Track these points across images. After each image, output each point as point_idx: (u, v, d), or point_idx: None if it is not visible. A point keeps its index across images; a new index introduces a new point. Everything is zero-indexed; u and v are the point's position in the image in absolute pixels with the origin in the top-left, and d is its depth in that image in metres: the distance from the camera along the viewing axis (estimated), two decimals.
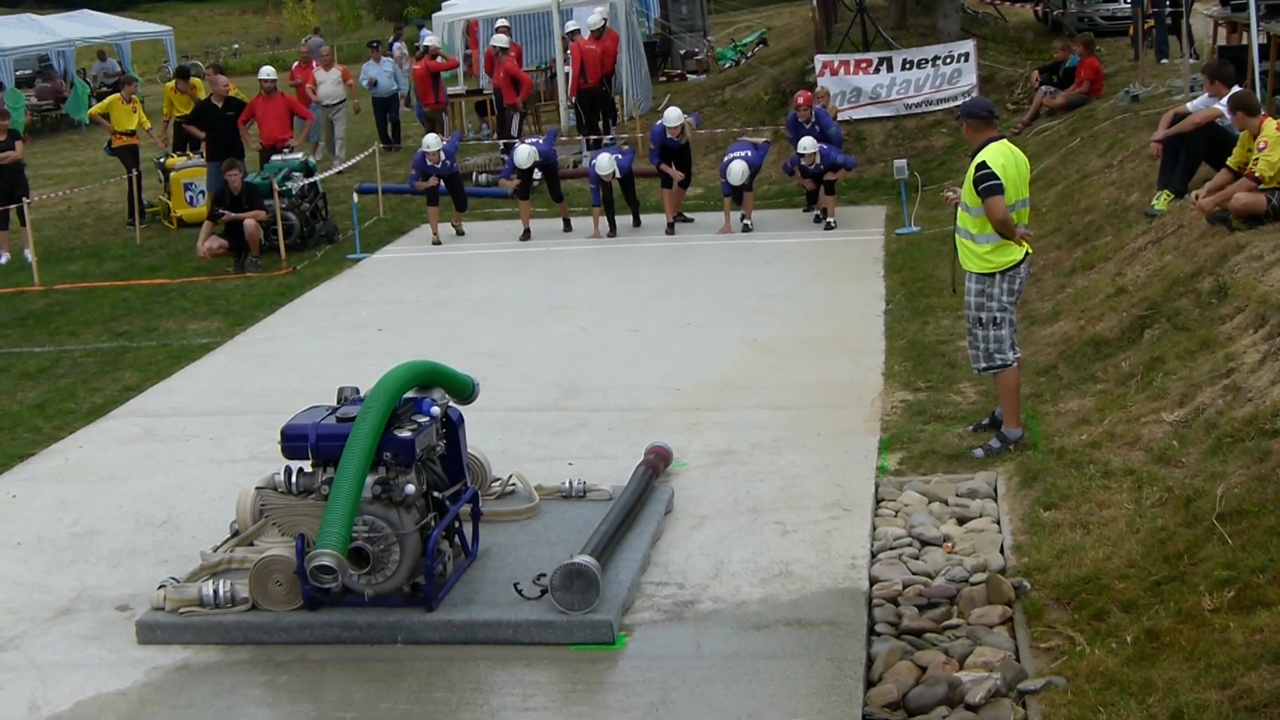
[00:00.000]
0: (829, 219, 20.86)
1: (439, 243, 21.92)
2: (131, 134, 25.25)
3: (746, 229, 20.95)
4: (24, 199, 22.80)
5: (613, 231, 21.49)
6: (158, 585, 9.42)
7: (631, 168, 21.89)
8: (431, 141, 22.00)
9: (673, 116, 21.69)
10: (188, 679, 8.65)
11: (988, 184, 10.64)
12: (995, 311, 10.95)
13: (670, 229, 21.51)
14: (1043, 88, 23.87)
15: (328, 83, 29.37)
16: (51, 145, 36.97)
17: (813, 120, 21.67)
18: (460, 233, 22.48)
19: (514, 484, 10.81)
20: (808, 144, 20.68)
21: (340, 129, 29.58)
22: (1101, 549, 8.87)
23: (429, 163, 21.81)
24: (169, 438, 13.12)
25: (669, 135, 21.60)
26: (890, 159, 22.89)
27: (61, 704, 8.43)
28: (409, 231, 23.19)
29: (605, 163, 21.26)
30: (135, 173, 24.86)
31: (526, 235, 21.75)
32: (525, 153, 21.63)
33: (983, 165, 10.70)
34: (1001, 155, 10.77)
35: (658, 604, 9.15)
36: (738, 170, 20.86)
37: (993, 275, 10.90)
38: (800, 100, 22.11)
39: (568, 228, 22.27)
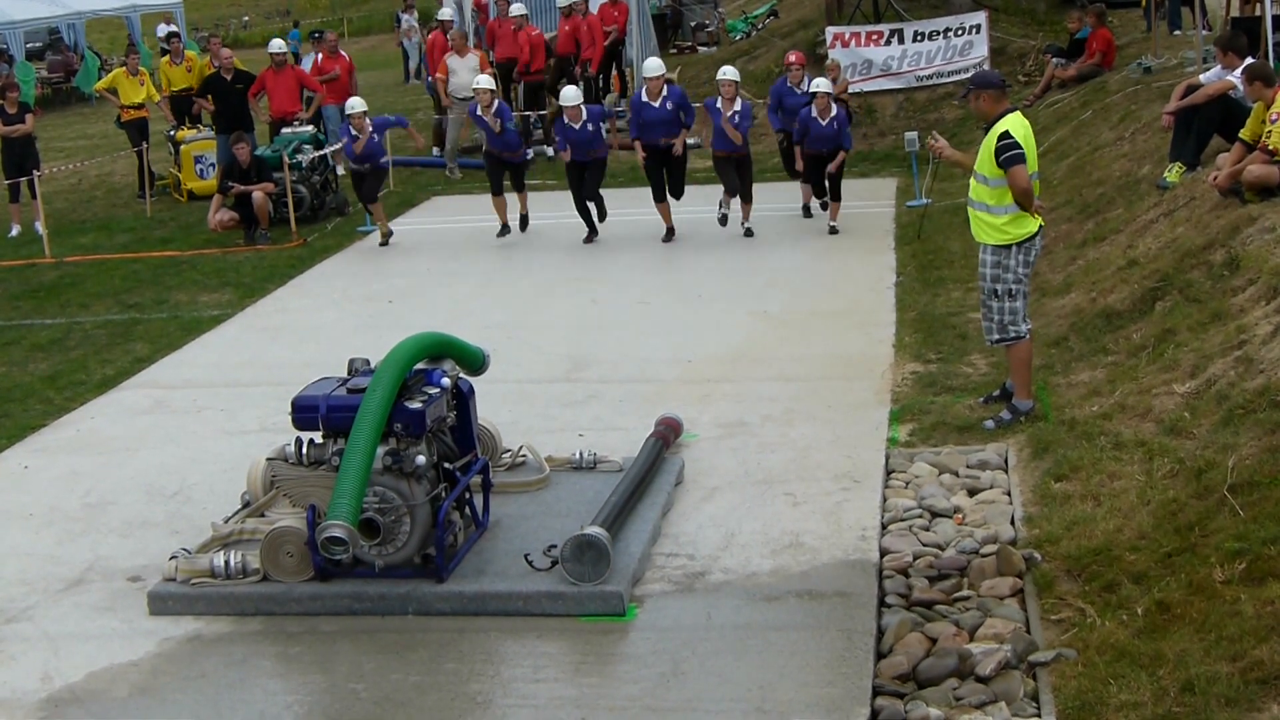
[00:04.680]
0: (834, 223, 18.77)
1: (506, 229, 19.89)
2: (140, 107, 25.20)
3: (749, 234, 18.70)
4: (34, 172, 22.81)
5: (590, 235, 19.21)
6: (169, 556, 9.44)
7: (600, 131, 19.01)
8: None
9: (652, 66, 18.90)
10: (199, 650, 8.67)
11: (1011, 153, 10.59)
12: (1010, 284, 10.91)
13: (669, 236, 18.92)
14: (1054, 60, 23.78)
15: (463, 71, 24.50)
16: (62, 118, 36.98)
17: (806, 87, 19.23)
18: (385, 239, 20.11)
19: (524, 455, 10.82)
20: (822, 84, 18.39)
21: (454, 131, 25.67)
22: (1112, 521, 8.86)
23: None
24: (180, 409, 13.13)
25: (647, 98, 18.70)
26: (901, 131, 22.82)
27: (74, 674, 8.45)
28: (419, 204, 23.17)
29: (572, 93, 18.98)
30: (144, 146, 24.84)
31: (504, 230, 19.77)
32: (572, 92, 19.21)
33: (1006, 135, 10.64)
34: (1020, 126, 10.74)
35: (668, 575, 9.16)
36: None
37: (1009, 247, 10.86)
38: (792, 59, 20.12)
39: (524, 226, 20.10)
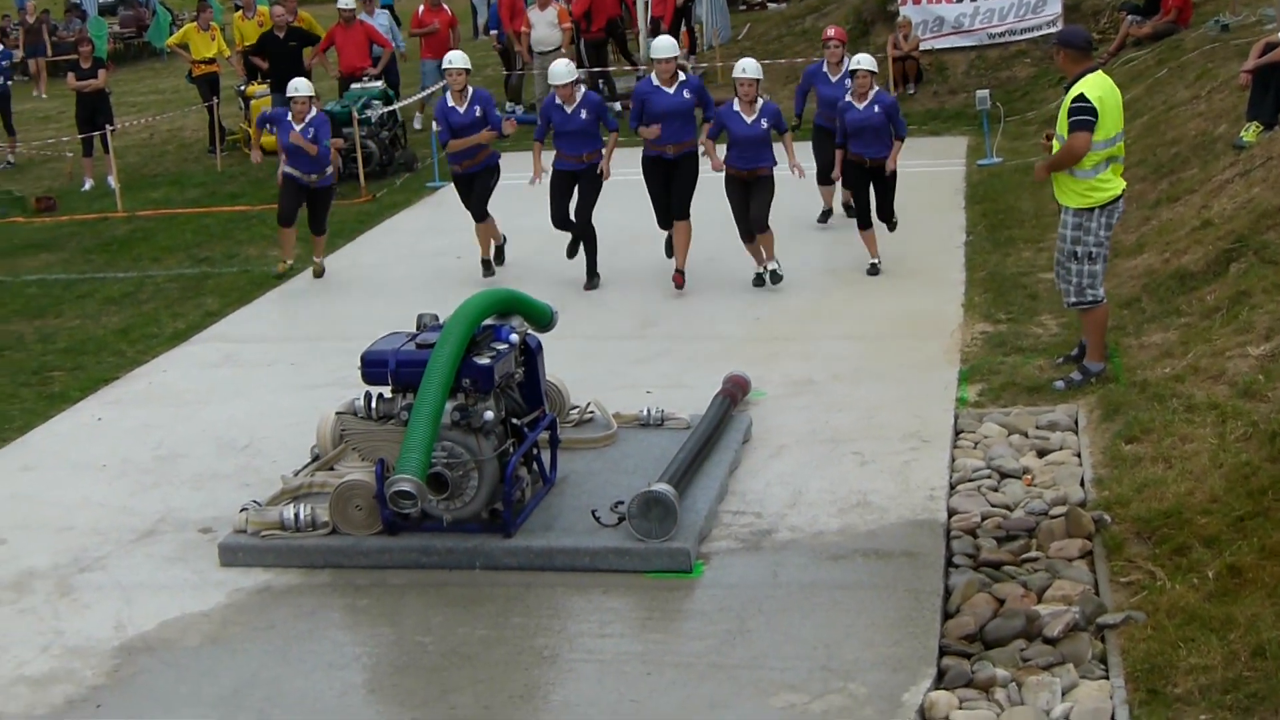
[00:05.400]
0: (876, 259, 14.83)
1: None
2: (210, 62, 25.29)
3: (776, 277, 14.44)
4: (107, 126, 22.99)
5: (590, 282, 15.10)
6: (239, 509, 9.52)
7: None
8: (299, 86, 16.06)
9: (663, 46, 14.85)
10: (269, 601, 8.75)
11: (1079, 118, 10.48)
12: (1091, 246, 10.80)
13: (679, 276, 14.68)
14: (1129, 17, 23.49)
15: (541, 25, 24.52)
16: (134, 73, 37.17)
17: (844, 73, 15.76)
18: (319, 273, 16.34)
19: (592, 412, 10.83)
20: (864, 60, 14.76)
21: None
22: (1184, 483, 8.79)
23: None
24: (250, 363, 13.22)
25: (657, 82, 14.60)
26: (972, 89, 22.59)
27: (146, 624, 8.55)
28: None
29: (563, 68, 14.80)
30: (215, 101, 24.94)
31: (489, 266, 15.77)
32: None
33: (1081, 97, 10.52)
34: (1099, 87, 10.61)
35: (735, 533, 9.16)
36: None
37: (1091, 210, 10.74)
38: (830, 33, 16.77)
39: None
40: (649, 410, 10.75)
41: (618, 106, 24.98)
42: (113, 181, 22.14)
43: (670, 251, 15.04)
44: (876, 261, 14.68)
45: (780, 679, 7.46)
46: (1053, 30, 23.98)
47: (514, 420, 9.48)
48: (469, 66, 15.24)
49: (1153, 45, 22.41)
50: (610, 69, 25.84)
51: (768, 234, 14.29)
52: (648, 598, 8.48)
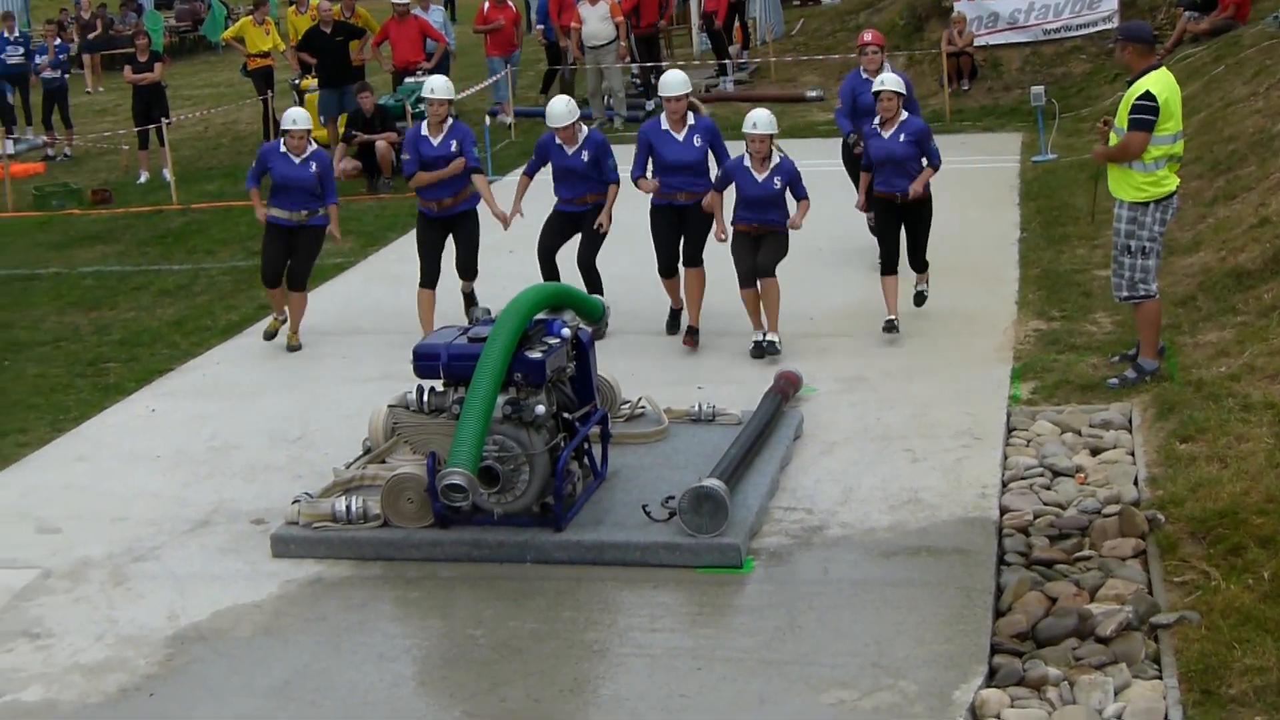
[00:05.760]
0: (922, 285, 13.19)
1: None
2: (265, 56, 25.39)
3: (773, 349, 12.23)
4: (163, 119, 23.13)
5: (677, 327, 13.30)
6: (292, 500, 9.57)
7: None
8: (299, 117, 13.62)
9: (672, 83, 12.86)
10: (320, 592, 8.79)
11: (1142, 116, 10.42)
12: (1145, 241, 10.74)
13: (690, 338, 12.83)
14: (1186, 13, 23.31)
15: (593, 19, 24.10)
16: (189, 66, 37.36)
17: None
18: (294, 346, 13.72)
19: (643, 406, 10.83)
20: (889, 80, 12.64)
21: (615, 79, 24.72)
22: (1239, 483, 8.72)
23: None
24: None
25: (667, 124, 12.89)
26: (1027, 85, 22.52)
27: (199, 613, 8.61)
28: None
29: (563, 108, 13.01)
30: (269, 95, 25.06)
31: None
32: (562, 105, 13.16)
33: (1147, 95, 10.46)
34: (1165, 86, 10.55)
35: (786, 529, 9.15)
36: None
37: (1147, 205, 10.68)
38: (867, 38, 14.82)
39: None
40: (700, 406, 10.74)
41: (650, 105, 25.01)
42: (168, 174, 22.30)
43: (673, 327, 13.22)
44: (894, 319, 12.48)
45: (830, 675, 7.44)
46: (1109, 26, 23.86)
47: (565, 414, 9.49)
48: (452, 97, 13.42)
49: (1210, 41, 22.23)
50: (664, 63, 25.80)
51: (773, 286, 12.19)
52: (698, 593, 8.48)
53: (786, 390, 10.85)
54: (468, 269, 13.78)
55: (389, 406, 9.77)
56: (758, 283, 12.24)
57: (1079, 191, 16.94)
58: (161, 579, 9.12)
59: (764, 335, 12.29)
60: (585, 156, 13.05)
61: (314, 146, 13.47)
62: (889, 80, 12.63)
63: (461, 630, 8.26)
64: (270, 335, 13.57)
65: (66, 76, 26.79)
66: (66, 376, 13.37)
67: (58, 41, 27.28)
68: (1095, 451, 9.98)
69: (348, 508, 9.28)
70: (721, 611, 8.29)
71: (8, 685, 7.97)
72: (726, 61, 26.48)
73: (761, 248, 12.25)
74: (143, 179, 23.45)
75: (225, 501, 10.17)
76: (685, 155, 12.74)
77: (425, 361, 9.30)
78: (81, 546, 9.64)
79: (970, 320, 12.94)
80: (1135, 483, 9.34)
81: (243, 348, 13.79)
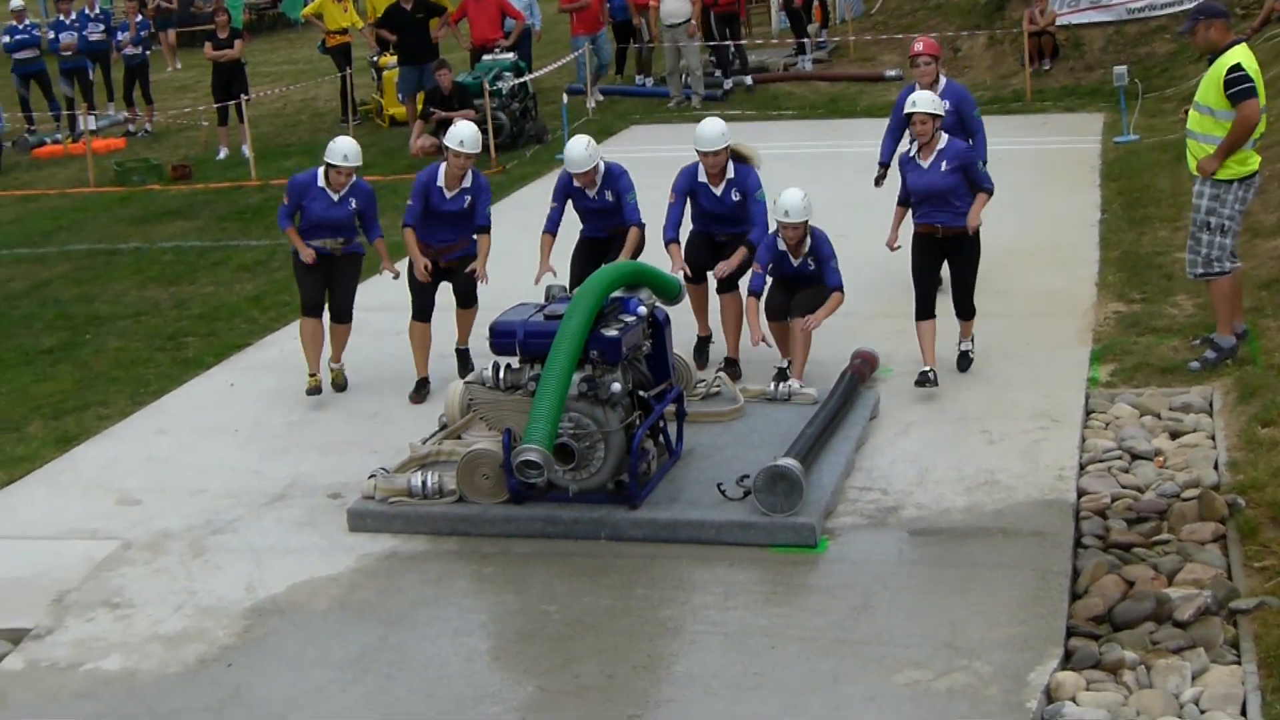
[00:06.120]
0: (966, 344, 11.44)
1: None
2: (344, 33, 25.51)
3: (801, 396, 10.76)
4: (242, 96, 23.28)
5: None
6: (368, 475, 9.63)
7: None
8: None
9: (709, 136, 11.45)
10: (396, 566, 8.85)
11: (1244, 86, 10.32)
12: (1225, 219, 10.63)
13: (731, 370, 11.47)
14: None
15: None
16: (268, 43, 37.56)
17: (942, 91, 12.53)
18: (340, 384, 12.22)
19: (719, 385, 10.82)
20: (923, 101, 11.04)
21: (694, 58, 24.25)
22: None
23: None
24: (379, 331, 13.32)
25: (704, 177, 11.62)
26: (1110, 65, 22.27)
27: (276, 586, 8.69)
28: (617, 133, 23.17)
29: (581, 152, 11.79)
30: (347, 71, 25.17)
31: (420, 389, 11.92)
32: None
33: (1238, 67, 10.35)
34: (1248, 59, 10.45)
35: (861, 509, 9.12)
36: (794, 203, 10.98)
37: (1230, 183, 10.58)
38: (918, 48, 12.92)
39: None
40: (776, 385, 10.72)
41: (748, 80, 24.94)
42: (247, 150, 22.46)
43: (701, 358, 11.94)
44: (929, 370, 10.92)
45: (904, 656, 7.43)
46: (1191, 4, 23.56)
47: (641, 392, 9.50)
48: (479, 151, 11.75)
49: None
50: (743, 42, 25.72)
51: (810, 324, 10.96)
52: (772, 572, 8.47)
53: (863, 371, 10.81)
54: (469, 298, 12.17)
55: (465, 383, 9.83)
56: (790, 319, 11.15)
57: (1161, 173, 16.78)
58: (239, 551, 9.21)
59: (788, 368, 11.11)
60: (608, 196, 11.91)
61: (354, 179, 11.86)
62: (922, 100, 11.03)
63: (536, 606, 8.29)
64: (314, 391, 11.76)
65: (148, 53, 26.99)
66: (146, 350, 13.51)
67: (139, 18, 27.47)
68: (1175, 435, 9.89)
69: (423, 483, 9.33)
70: (795, 590, 8.28)
71: (88, 654, 8.08)
72: (805, 40, 26.38)
73: (802, 290, 11.14)
74: (222, 155, 23.64)
75: (302, 475, 10.25)
76: (722, 208, 11.60)
77: (501, 338, 9.33)
78: (161, 518, 9.75)
79: (1049, 301, 12.84)
80: (1215, 467, 9.25)
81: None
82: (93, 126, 25.36)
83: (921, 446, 9.98)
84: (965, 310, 11.27)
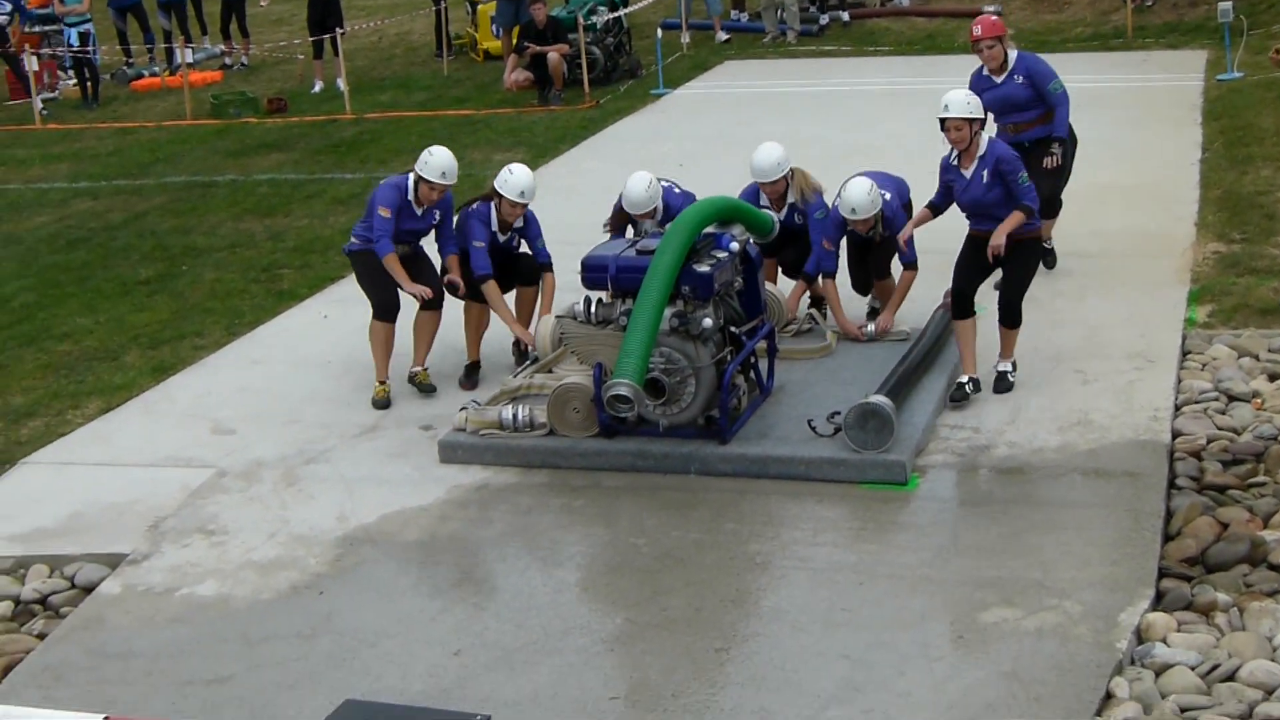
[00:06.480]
0: (1006, 365, 9.95)
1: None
2: None
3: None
4: (337, 30, 23.32)
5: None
6: (459, 407, 9.69)
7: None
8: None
9: (765, 165, 10.81)
10: (487, 498, 8.91)
11: None
12: None
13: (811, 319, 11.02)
14: None
15: None
16: None
17: (1012, 68, 11.45)
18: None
19: (810, 322, 10.78)
20: (957, 103, 9.65)
21: None
22: None
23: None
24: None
25: (766, 201, 10.95)
26: (1214, 1, 21.87)
27: (367, 516, 8.77)
28: (711, 68, 23.06)
29: (641, 191, 10.67)
30: (442, 5, 25.15)
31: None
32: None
33: None
34: None
35: (952, 447, 9.08)
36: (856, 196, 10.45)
37: None
38: (978, 31, 11.54)
39: None
40: (869, 322, 10.66)
41: (845, 16, 24.69)
42: (341, 84, 22.52)
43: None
44: (967, 382, 9.77)
45: (994, 595, 7.39)
46: None
47: (732, 328, 9.48)
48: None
49: None
50: None
51: (887, 280, 10.84)
52: (862, 508, 8.45)
53: None
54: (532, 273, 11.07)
55: (556, 317, 9.84)
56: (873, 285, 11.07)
57: (1265, 111, 16.49)
58: (332, 481, 9.30)
59: (867, 322, 10.84)
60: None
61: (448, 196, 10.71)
62: (955, 103, 9.63)
63: (625, 539, 8.32)
64: (382, 404, 10.43)
65: None
66: (242, 282, 13.63)
67: None
68: (1273, 377, 9.75)
69: (514, 416, 9.38)
70: (885, 527, 8.26)
71: (183, 579, 8.20)
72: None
73: (872, 255, 10.95)
74: (317, 88, 23.73)
75: (394, 407, 10.31)
76: (784, 229, 10.85)
77: (593, 273, 9.33)
78: (255, 447, 9.86)
79: (1146, 240, 12.67)
80: None
81: None
82: (189, 60, 25.48)
83: (1015, 385, 9.88)
84: (1010, 317, 9.92)
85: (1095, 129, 16.79)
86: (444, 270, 10.65)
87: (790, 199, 10.87)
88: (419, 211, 10.46)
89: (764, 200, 10.87)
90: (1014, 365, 9.92)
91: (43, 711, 4.32)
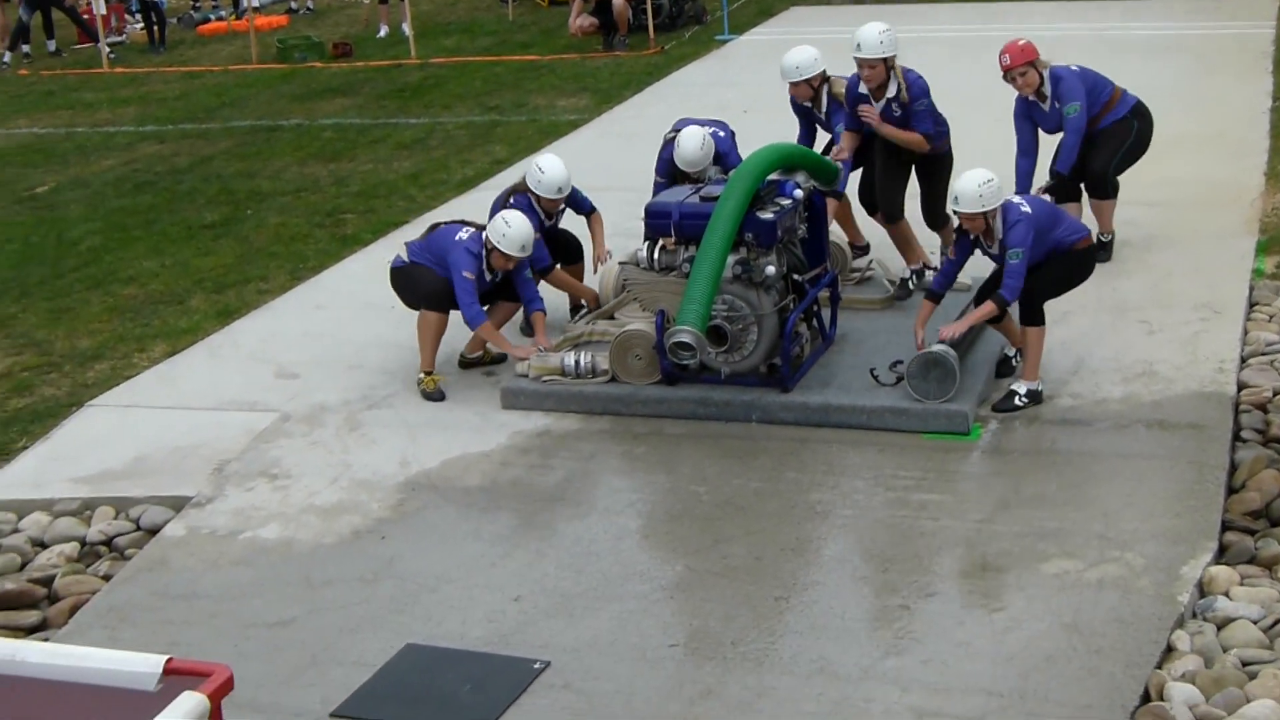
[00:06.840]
0: (1025, 388, 8.93)
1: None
2: None
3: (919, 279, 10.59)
4: None
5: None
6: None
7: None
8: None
9: (796, 66, 10.81)
10: (548, 444, 8.94)
11: None
12: None
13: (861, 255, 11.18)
14: None
15: None
16: None
17: (1052, 99, 11.05)
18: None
19: (874, 271, 10.73)
20: (968, 196, 8.75)
21: None
22: None
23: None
24: None
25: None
26: None
27: (429, 461, 8.81)
28: (777, 14, 22.95)
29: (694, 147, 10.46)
30: None
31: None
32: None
33: None
34: None
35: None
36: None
37: None
38: (1007, 60, 11.03)
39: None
40: (932, 272, 10.61)
41: None
42: (407, 29, 22.55)
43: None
44: (1012, 354, 9.35)
45: (1055, 546, 7.37)
46: None
47: (795, 276, 9.45)
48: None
49: None
50: None
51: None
52: (923, 458, 8.43)
53: None
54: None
55: (620, 263, 9.83)
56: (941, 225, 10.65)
57: None
58: (394, 426, 9.34)
59: (909, 271, 10.68)
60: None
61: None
62: (966, 196, 8.74)
63: (685, 486, 8.34)
64: (436, 396, 9.73)
65: None
66: (306, 226, 13.70)
67: None
68: None
69: (576, 362, 9.39)
70: (947, 478, 8.23)
71: (247, 523, 8.27)
72: None
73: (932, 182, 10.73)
74: (382, 33, 23.76)
75: (456, 353, 10.31)
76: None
77: (657, 219, 9.31)
78: (318, 392, 9.92)
79: (1215, 190, 12.54)
80: None
81: (477, 202, 13.84)
82: (256, 4, 25.58)
83: (1078, 335, 9.83)
84: (1029, 315, 8.98)
85: (1164, 76, 16.65)
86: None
87: (889, 93, 10.37)
88: (488, 277, 9.78)
89: (863, 89, 10.39)
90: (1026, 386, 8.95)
91: (106, 651, 4.36)
